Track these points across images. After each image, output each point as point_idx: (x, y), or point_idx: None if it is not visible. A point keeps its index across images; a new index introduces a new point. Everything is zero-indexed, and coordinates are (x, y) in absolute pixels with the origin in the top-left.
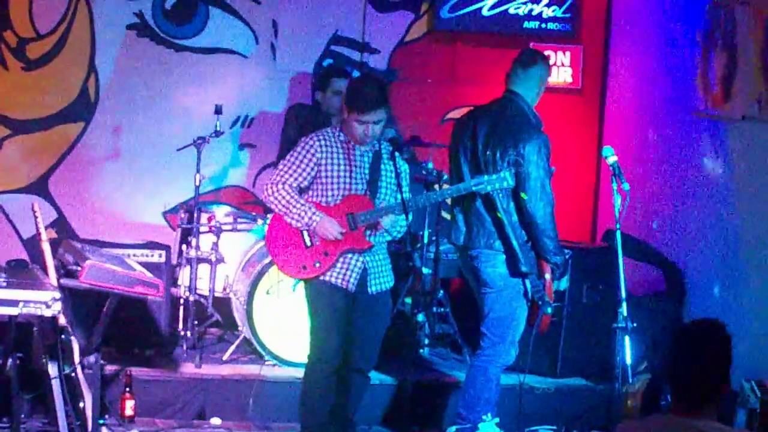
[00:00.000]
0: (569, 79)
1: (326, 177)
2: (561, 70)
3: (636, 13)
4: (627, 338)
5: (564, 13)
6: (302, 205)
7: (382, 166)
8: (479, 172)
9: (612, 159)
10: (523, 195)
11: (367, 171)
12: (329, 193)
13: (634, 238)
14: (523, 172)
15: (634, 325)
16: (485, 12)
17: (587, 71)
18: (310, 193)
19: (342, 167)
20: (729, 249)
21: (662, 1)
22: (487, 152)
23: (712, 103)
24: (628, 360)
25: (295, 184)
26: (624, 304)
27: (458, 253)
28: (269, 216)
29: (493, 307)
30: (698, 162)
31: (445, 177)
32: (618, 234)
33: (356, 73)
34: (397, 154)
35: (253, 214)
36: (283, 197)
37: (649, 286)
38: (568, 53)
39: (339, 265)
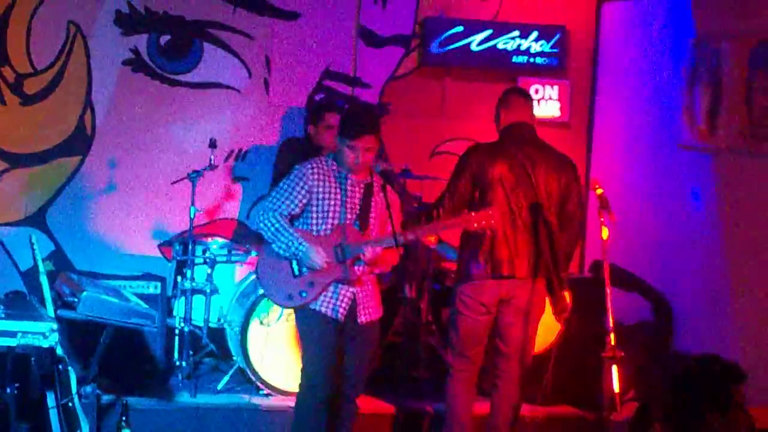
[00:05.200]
0: (557, 113)
1: (317, 206)
2: (549, 103)
3: (622, 48)
4: (615, 367)
5: (552, 47)
6: (291, 233)
7: (374, 198)
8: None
9: (599, 191)
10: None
11: (358, 202)
12: (319, 223)
13: (621, 269)
14: None
15: (622, 354)
16: (474, 47)
17: (575, 105)
18: (301, 221)
19: (333, 197)
20: (714, 279)
21: (648, 36)
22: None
23: (698, 136)
24: (616, 388)
25: (285, 212)
26: (611, 334)
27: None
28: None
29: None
30: (684, 194)
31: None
32: (605, 265)
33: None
34: (388, 186)
35: (247, 246)
36: (273, 225)
37: (636, 316)
38: (556, 87)
39: (328, 295)
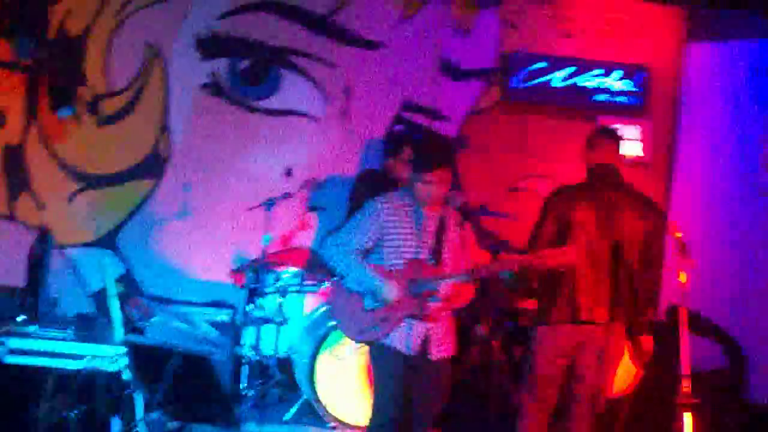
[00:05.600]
0: (639, 153)
1: (391, 241)
2: (630, 143)
3: (707, 90)
4: (688, 413)
5: (635, 87)
6: (364, 268)
7: (448, 232)
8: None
9: (678, 235)
10: None
11: (432, 236)
12: (393, 257)
13: (697, 314)
14: None
15: (696, 400)
16: (555, 84)
17: (656, 145)
18: (374, 256)
19: (407, 232)
20: None
21: (734, 79)
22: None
23: None
24: None
25: (358, 247)
26: (687, 380)
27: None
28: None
29: None
30: (764, 242)
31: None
32: (682, 310)
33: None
34: (463, 221)
35: (320, 276)
36: (346, 259)
37: (710, 363)
38: (638, 127)
39: (401, 330)
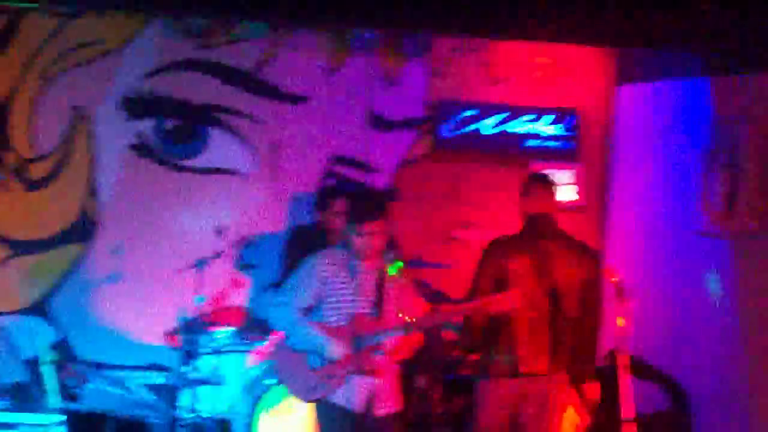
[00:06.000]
0: (572, 197)
1: (331, 297)
2: (564, 188)
3: (638, 131)
4: None
5: (566, 131)
6: (307, 326)
7: (387, 286)
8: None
9: (614, 279)
10: None
11: (372, 290)
12: (334, 313)
13: (636, 357)
14: None
15: None
16: (486, 131)
17: (589, 188)
18: (316, 313)
19: (347, 287)
20: (733, 370)
21: (665, 119)
22: None
23: (715, 221)
24: None
25: (300, 305)
26: (628, 425)
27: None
28: (271, 336)
29: None
30: (702, 281)
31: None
32: (624, 354)
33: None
34: (399, 273)
35: (255, 334)
36: (288, 318)
37: (652, 406)
38: (570, 171)
39: (346, 386)
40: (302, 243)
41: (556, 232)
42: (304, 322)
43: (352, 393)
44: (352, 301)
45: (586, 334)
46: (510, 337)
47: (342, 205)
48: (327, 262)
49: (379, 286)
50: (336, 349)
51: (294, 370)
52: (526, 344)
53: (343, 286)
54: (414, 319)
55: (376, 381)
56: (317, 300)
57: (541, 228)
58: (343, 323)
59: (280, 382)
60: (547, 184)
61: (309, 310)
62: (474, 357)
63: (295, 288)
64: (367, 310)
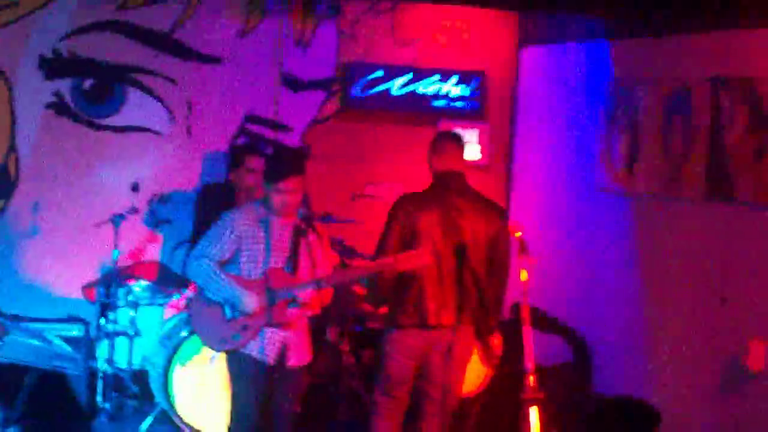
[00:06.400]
0: (477, 156)
1: (247, 251)
2: (469, 147)
3: (541, 92)
4: (535, 408)
5: (471, 92)
6: (222, 278)
7: (301, 241)
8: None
9: (518, 234)
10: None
11: (287, 246)
12: (250, 268)
13: (540, 311)
14: None
15: (542, 395)
16: (395, 91)
17: (495, 148)
18: (231, 266)
19: (262, 242)
20: (631, 321)
21: (566, 80)
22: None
23: (616, 180)
24: (536, 429)
25: (216, 258)
26: (531, 375)
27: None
28: (186, 289)
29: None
30: (603, 237)
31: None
32: (525, 306)
33: (269, 151)
34: (311, 229)
35: (170, 288)
36: (204, 271)
37: (556, 358)
38: (476, 131)
39: (259, 339)
40: (214, 199)
41: (464, 189)
42: (220, 275)
43: (264, 345)
44: (267, 255)
45: (492, 289)
46: (418, 291)
47: (254, 163)
48: (243, 217)
49: (294, 242)
50: (250, 302)
51: (208, 321)
52: (433, 298)
53: (259, 241)
54: (326, 276)
55: (288, 333)
56: (233, 254)
57: (450, 185)
58: (257, 277)
59: (194, 333)
60: (456, 142)
61: (225, 264)
62: (383, 310)
63: (211, 241)
64: (281, 265)
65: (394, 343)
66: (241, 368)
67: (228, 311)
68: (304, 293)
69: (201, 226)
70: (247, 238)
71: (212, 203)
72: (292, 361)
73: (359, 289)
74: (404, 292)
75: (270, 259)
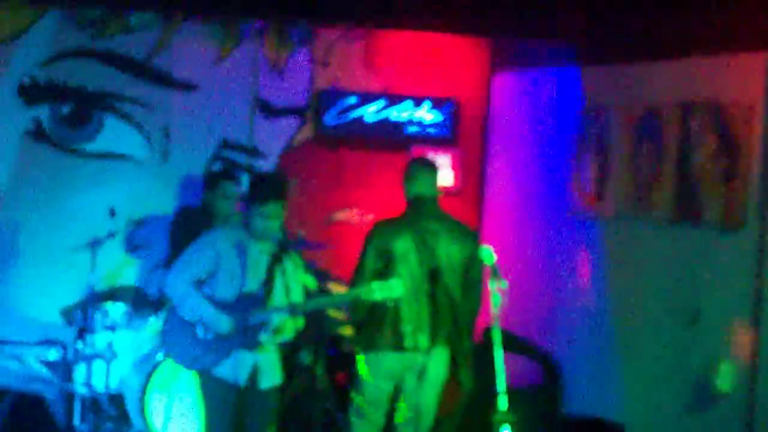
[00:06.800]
0: (449, 181)
1: (222, 273)
2: (441, 172)
3: (513, 117)
4: (506, 430)
5: (444, 117)
6: (196, 298)
7: (277, 267)
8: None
9: (490, 259)
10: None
11: (262, 270)
12: (224, 290)
13: (510, 333)
14: None
15: (514, 417)
16: (368, 118)
17: (466, 173)
18: (206, 288)
19: (238, 265)
20: (601, 343)
21: (537, 106)
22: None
23: (586, 203)
24: None
25: (192, 278)
26: (502, 397)
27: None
28: (162, 313)
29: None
30: (573, 259)
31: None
32: (497, 330)
33: (244, 176)
34: (287, 255)
35: (147, 312)
36: (179, 289)
37: (527, 379)
38: (447, 156)
39: (230, 361)
40: (190, 224)
41: (438, 213)
42: (195, 295)
43: (236, 367)
44: (242, 279)
45: (466, 311)
46: (394, 314)
47: (229, 189)
48: (221, 239)
49: (270, 267)
50: (223, 324)
51: (180, 340)
52: (408, 321)
53: (235, 263)
54: (299, 303)
55: (260, 356)
56: (209, 275)
57: (423, 210)
58: (231, 299)
59: (166, 351)
60: (429, 168)
61: (200, 284)
62: (358, 333)
63: (187, 262)
64: (255, 289)
65: (370, 365)
66: (212, 390)
67: (200, 331)
68: (276, 318)
69: (176, 250)
70: (223, 259)
71: (188, 227)
72: (264, 383)
73: (333, 312)
74: (381, 314)
75: (245, 282)
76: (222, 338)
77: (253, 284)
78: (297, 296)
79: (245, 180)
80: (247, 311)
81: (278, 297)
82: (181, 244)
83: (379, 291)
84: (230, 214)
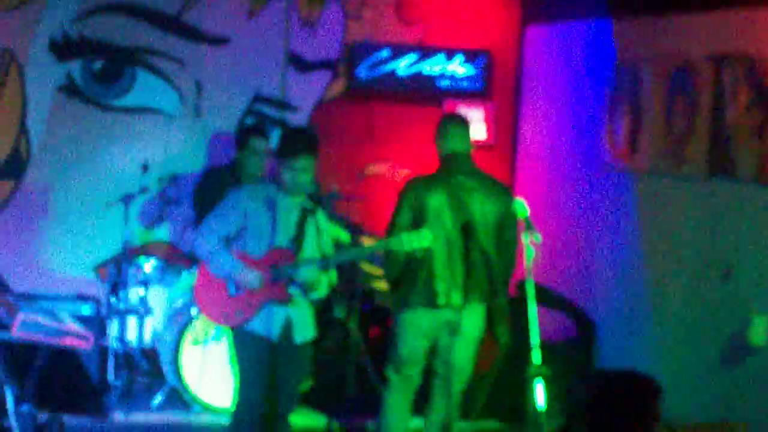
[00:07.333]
0: (482, 136)
1: (252, 229)
2: (474, 126)
3: (546, 70)
4: (540, 383)
5: (476, 71)
6: (227, 255)
7: (307, 221)
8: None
9: (524, 212)
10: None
11: (293, 225)
12: (255, 245)
13: (545, 287)
14: None
15: (547, 370)
16: (400, 72)
17: (499, 127)
18: (238, 243)
19: (268, 221)
20: (635, 297)
21: (571, 59)
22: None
23: (619, 158)
24: (542, 405)
25: (221, 234)
26: (536, 351)
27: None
28: (195, 267)
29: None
30: (606, 213)
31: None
32: (530, 284)
33: (276, 132)
34: (319, 210)
35: (179, 266)
36: (209, 246)
37: (561, 334)
38: (481, 110)
39: (263, 315)
40: (218, 182)
41: (472, 169)
42: (225, 251)
43: (269, 322)
44: (272, 234)
45: (501, 267)
46: (428, 271)
47: (260, 145)
48: (250, 195)
49: (301, 221)
50: (253, 279)
51: (212, 297)
52: (442, 278)
53: (265, 219)
54: (330, 255)
55: (292, 310)
56: (239, 231)
57: (457, 166)
58: (262, 255)
59: (198, 306)
60: (462, 124)
61: (230, 241)
62: (393, 291)
63: (217, 218)
64: (286, 244)
65: (404, 323)
66: (245, 345)
67: (232, 288)
68: (307, 272)
69: (205, 208)
70: (253, 215)
71: (218, 185)
72: (297, 338)
73: (368, 267)
74: (414, 272)
75: (275, 237)
76: (253, 294)
77: (283, 239)
78: (329, 250)
79: (276, 136)
80: (278, 265)
81: (310, 251)
82: (210, 202)
83: (408, 241)
84: (260, 174)
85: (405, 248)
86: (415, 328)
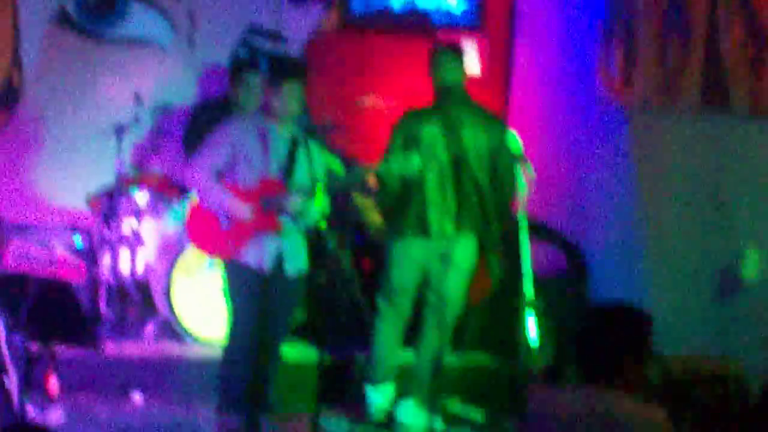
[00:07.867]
0: (475, 69)
1: (243, 160)
2: (468, 60)
3: (539, 4)
4: (532, 316)
5: (470, 5)
6: (219, 187)
7: (297, 152)
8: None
9: (516, 146)
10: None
11: (283, 156)
12: (246, 176)
13: (537, 221)
14: None
15: (539, 303)
16: (395, 6)
17: (493, 61)
18: (228, 175)
19: (258, 152)
20: (627, 230)
21: None
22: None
23: (613, 91)
24: (534, 337)
25: (212, 167)
26: (528, 285)
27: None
28: (188, 197)
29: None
30: (600, 147)
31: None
32: (523, 218)
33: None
34: (310, 139)
35: (173, 198)
36: (199, 181)
37: (552, 267)
38: (474, 44)
39: (255, 246)
40: (212, 112)
41: (465, 100)
42: (216, 184)
43: (260, 253)
44: (263, 164)
45: (495, 198)
46: (420, 201)
47: (251, 79)
48: (240, 126)
49: (291, 151)
50: (245, 211)
51: (204, 229)
52: (435, 207)
53: (255, 149)
54: (323, 181)
55: (284, 242)
56: (230, 162)
57: (450, 98)
58: (253, 185)
59: (190, 238)
60: (455, 55)
61: (222, 172)
62: (386, 220)
63: (206, 152)
64: (278, 174)
65: (397, 252)
66: (237, 277)
67: (222, 219)
68: (299, 202)
69: (192, 143)
70: (243, 146)
71: (210, 118)
72: (289, 269)
73: (360, 200)
74: (407, 202)
75: (265, 169)
76: (244, 224)
77: (275, 168)
78: (321, 179)
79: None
80: (269, 196)
81: (301, 179)
82: (203, 135)
83: (396, 165)
84: (254, 110)
85: (393, 171)
86: (407, 257)
